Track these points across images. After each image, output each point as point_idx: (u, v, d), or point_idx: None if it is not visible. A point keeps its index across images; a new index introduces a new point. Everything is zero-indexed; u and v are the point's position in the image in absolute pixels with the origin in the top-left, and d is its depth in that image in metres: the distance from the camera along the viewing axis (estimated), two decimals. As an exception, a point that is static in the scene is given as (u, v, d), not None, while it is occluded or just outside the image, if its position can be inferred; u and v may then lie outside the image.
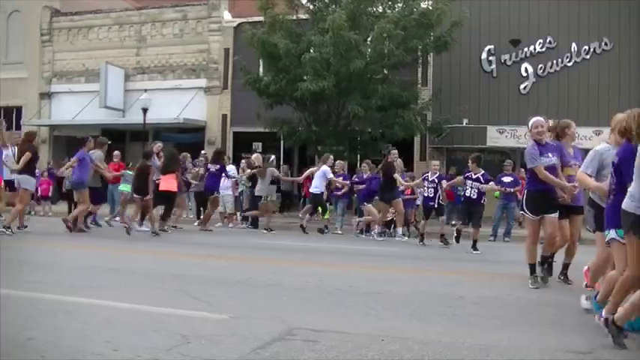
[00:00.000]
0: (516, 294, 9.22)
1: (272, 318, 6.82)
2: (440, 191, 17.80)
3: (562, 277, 10.38)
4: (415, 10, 25.58)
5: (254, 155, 22.93)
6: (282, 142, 29.65)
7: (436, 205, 17.72)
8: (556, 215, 9.72)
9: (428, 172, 18.32)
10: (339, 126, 26.06)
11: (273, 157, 22.84)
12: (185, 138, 32.25)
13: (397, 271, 11.68)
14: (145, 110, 29.58)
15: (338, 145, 24.99)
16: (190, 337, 5.82)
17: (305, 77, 24.58)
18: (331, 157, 21.29)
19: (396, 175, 18.46)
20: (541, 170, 9.53)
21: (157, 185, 18.11)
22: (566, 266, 10.42)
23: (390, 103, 25.38)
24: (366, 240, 18.67)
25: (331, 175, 20.41)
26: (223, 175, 20.77)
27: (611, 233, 6.55)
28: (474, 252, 15.47)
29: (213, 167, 20.49)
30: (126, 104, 34.19)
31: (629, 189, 6.10)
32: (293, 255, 13.98)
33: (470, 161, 16.54)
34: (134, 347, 5.46)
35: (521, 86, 28.87)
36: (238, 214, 22.85)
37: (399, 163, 19.35)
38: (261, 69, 28.51)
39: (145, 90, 32.40)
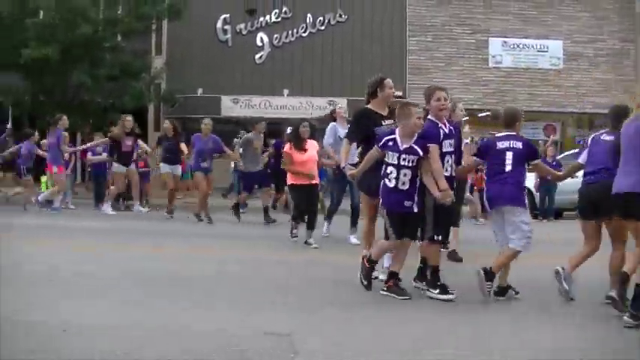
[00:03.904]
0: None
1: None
2: None
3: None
4: (148, -25, 24.66)
5: None
6: (10, 112, 27.21)
7: None
8: None
9: None
10: (67, 96, 24.54)
11: None
12: None
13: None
14: None
15: (68, 117, 23.46)
16: None
17: (30, 43, 22.70)
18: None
19: None
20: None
21: None
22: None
23: (121, 72, 24.46)
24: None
25: None
26: None
27: None
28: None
29: None
30: None
31: None
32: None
33: None
34: None
35: (257, 56, 28.78)
36: None
37: None
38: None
39: None
